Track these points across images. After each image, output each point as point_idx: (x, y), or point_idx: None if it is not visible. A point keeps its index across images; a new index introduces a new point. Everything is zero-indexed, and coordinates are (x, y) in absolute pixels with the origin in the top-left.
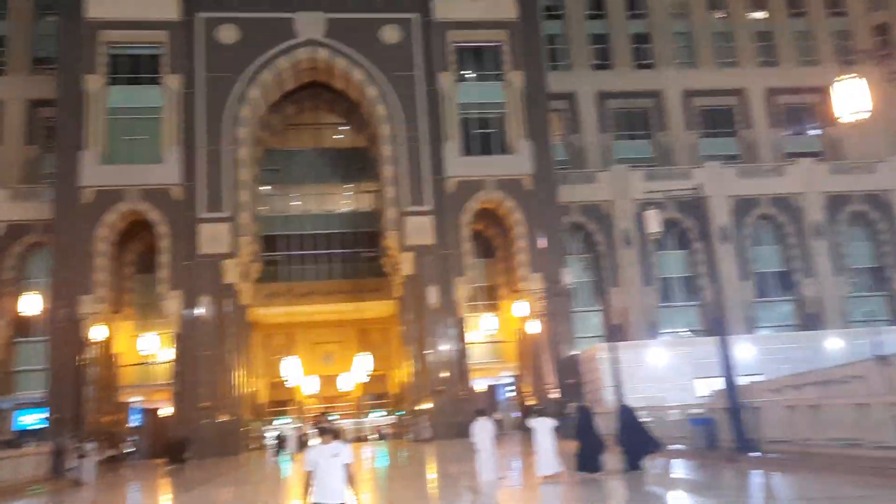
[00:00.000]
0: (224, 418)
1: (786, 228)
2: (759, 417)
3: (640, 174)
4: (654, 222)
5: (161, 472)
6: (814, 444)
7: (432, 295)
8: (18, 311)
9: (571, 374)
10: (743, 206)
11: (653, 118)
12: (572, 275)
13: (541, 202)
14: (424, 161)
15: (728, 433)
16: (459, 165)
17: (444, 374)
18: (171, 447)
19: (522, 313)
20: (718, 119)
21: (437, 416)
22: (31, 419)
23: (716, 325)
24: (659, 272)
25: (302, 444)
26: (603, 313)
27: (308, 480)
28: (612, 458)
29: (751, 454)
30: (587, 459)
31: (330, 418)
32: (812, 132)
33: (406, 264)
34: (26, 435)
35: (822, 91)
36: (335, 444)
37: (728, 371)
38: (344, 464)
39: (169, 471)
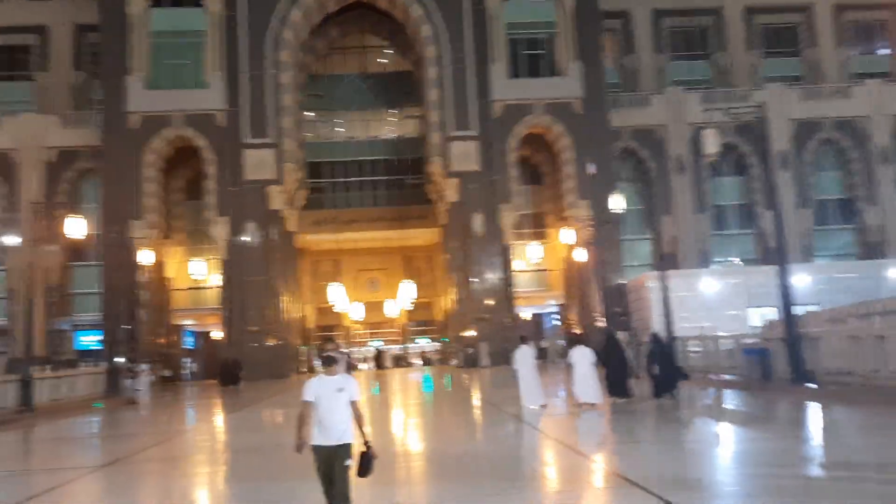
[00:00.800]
0: (272, 342)
1: (849, 154)
2: (817, 348)
3: (696, 97)
4: (712, 142)
5: (213, 392)
6: (879, 376)
7: (477, 222)
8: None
9: (618, 303)
10: (805, 129)
11: (711, 37)
12: (622, 202)
13: (591, 127)
14: (470, 84)
15: (784, 364)
16: (506, 88)
17: (489, 302)
18: (225, 369)
19: (570, 241)
20: (781, 38)
21: (482, 343)
22: (89, 340)
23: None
24: (712, 199)
25: (349, 367)
26: (653, 242)
27: (306, 413)
28: (639, 386)
29: (808, 385)
30: (615, 385)
31: (374, 343)
32: (881, 51)
33: (451, 191)
34: (85, 355)
35: (893, 7)
36: (341, 377)
37: (786, 300)
38: (350, 401)
39: (223, 391)
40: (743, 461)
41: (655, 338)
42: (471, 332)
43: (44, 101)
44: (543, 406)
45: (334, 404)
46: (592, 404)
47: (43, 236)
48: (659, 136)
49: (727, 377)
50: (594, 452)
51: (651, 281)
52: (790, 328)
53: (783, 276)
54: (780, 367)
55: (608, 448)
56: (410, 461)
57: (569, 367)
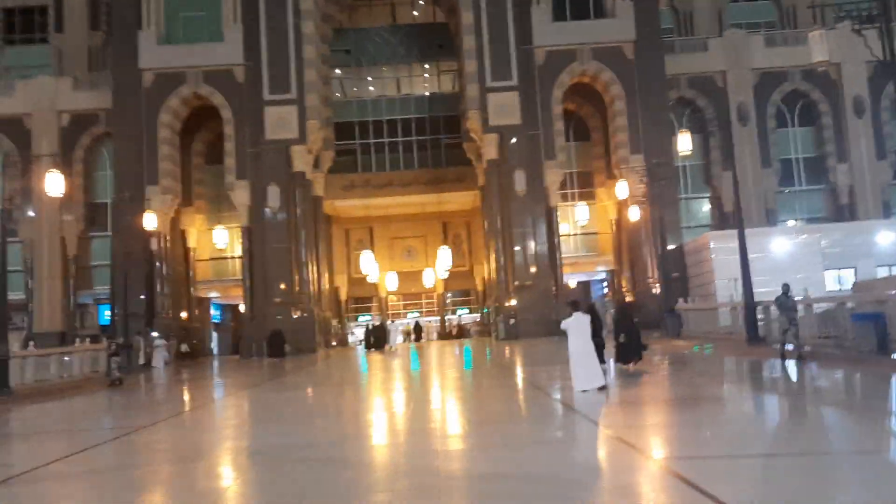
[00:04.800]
0: (298, 314)
1: None
2: None
3: (759, 40)
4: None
5: (233, 367)
6: None
7: (519, 181)
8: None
9: (676, 266)
10: (883, 73)
11: None
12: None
13: (643, 74)
14: (510, 28)
15: None
16: (550, 33)
17: (532, 269)
18: (271, 341)
19: (623, 196)
20: None
21: (524, 313)
22: (108, 314)
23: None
24: (778, 152)
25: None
26: (712, 200)
27: None
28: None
29: None
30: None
31: (410, 315)
32: None
33: (489, 147)
34: (108, 330)
35: None
36: None
37: None
38: None
39: (251, 364)
40: None
41: (621, 309)
42: (512, 302)
43: (61, 64)
44: (602, 388)
45: None
46: (603, 387)
47: (57, 206)
48: (718, 84)
49: (830, 349)
50: (715, 477)
51: (715, 241)
52: None
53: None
54: None
55: (732, 463)
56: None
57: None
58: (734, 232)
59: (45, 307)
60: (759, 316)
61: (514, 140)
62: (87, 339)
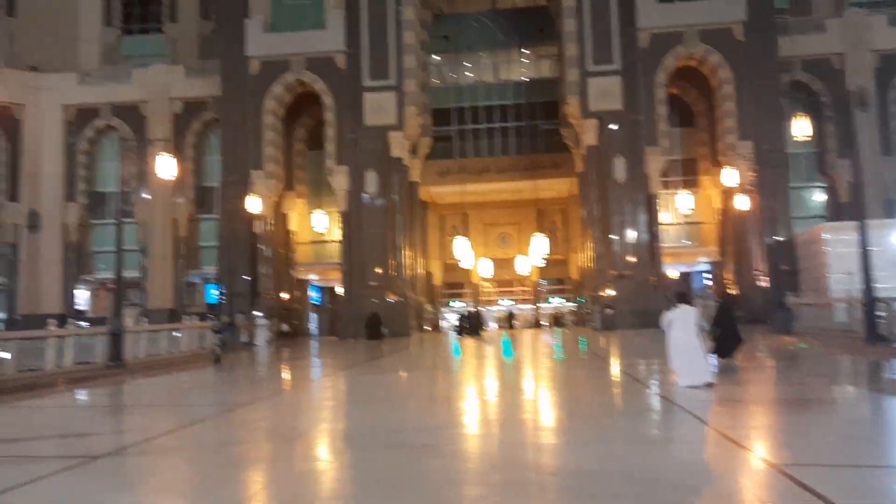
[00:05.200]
0: (393, 298)
1: None
2: None
3: (881, 20)
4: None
5: (332, 348)
6: None
7: (619, 168)
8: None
9: (785, 259)
10: None
11: None
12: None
13: (754, 56)
14: (612, 10)
15: None
16: (655, 14)
17: (631, 259)
18: (370, 323)
19: (730, 183)
20: None
21: (622, 303)
22: (216, 294)
23: None
24: None
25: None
26: (827, 189)
27: None
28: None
29: None
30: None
31: (503, 303)
32: None
33: (589, 133)
34: (214, 309)
35: None
36: None
37: None
38: None
39: (349, 346)
40: None
41: (722, 302)
42: (609, 292)
43: (174, 52)
44: (709, 385)
45: None
46: (710, 384)
47: (169, 189)
48: (834, 67)
49: None
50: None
51: (830, 233)
52: None
53: None
54: None
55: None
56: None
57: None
58: (850, 224)
59: (158, 285)
60: (881, 313)
61: (615, 126)
62: (195, 317)
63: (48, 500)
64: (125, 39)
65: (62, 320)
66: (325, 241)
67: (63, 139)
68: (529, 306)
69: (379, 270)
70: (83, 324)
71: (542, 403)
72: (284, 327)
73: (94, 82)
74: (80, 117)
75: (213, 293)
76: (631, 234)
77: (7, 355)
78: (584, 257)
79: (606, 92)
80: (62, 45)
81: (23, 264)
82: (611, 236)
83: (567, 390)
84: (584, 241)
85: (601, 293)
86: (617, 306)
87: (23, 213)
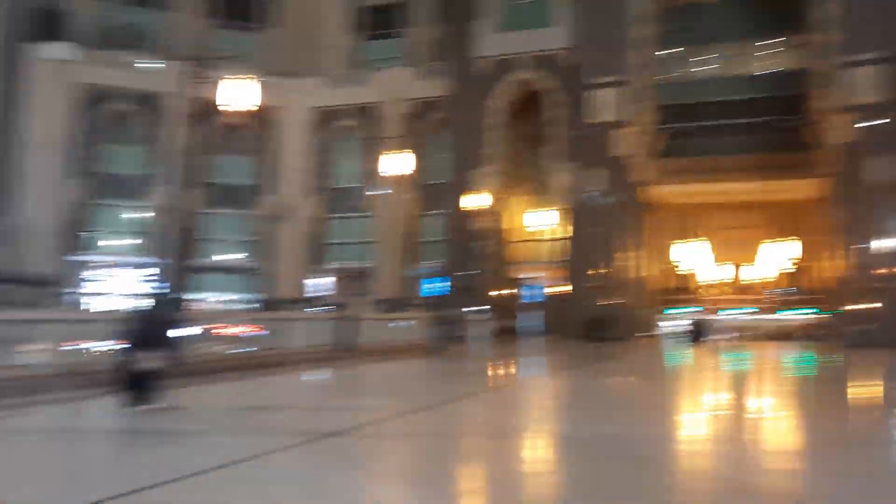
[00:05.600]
0: (613, 300)
1: None
2: None
3: None
4: None
5: (547, 346)
6: None
7: (879, 168)
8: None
9: None
10: None
11: None
12: None
13: None
14: None
15: None
16: None
17: (893, 269)
18: (590, 324)
19: None
20: None
21: (878, 319)
22: (432, 287)
23: None
24: None
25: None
26: None
27: None
28: None
29: None
30: None
31: (728, 311)
32: None
33: (842, 130)
34: (429, 301)
35: None
36: None
37: None
38: None
39: (585, 347)
40: None
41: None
42: (862, 305)
43: (411, 56)
44: None
45: None
46: None
47: (400, 185)
48: None
49: None
50: None
51: None
52: None
53: None
54: None
55: None
56: None
57: None
58: None
59: (386, 277)
60: None
61: (875, 122)
62: (419, 309)
63: (279, 474)
64: (366, 45)
65: (299, 306)
66: (541, 240)
67: (308, 139)
68: (762, 317)
69: (600, 271)
70: (320, 309)
71: (777, 423)
72: (502, 324)
73: (337, 86)
74: (324, 118)
75: (428, 287)
76: (890, 242)
77: (266, 332)
78: (828, 265)
79: (867, 84)
80: (309, 52)
81: (266, 252)
82: (868, 244)
83: (807, 412)
84: (831, 249)
85: (852, 306)
86: (872, 322)
87: (275, 205)
